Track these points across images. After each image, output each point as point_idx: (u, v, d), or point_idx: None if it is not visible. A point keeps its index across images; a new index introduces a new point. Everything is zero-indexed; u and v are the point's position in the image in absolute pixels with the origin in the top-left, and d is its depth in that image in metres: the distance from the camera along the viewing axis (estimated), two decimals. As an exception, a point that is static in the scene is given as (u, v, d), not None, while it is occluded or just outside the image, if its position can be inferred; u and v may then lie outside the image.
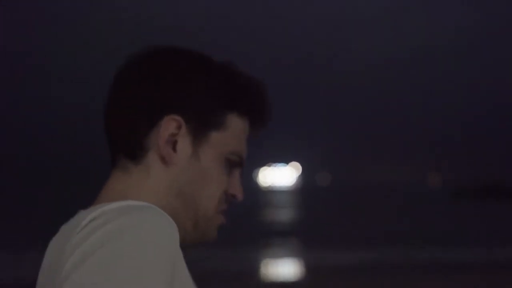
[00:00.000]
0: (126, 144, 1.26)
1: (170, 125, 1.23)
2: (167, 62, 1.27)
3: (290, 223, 29.81)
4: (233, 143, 1.28)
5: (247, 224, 24.27)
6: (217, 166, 1.27)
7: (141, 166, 1.25)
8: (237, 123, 1.28)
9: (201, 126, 1.25)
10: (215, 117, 1.26)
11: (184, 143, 1.25)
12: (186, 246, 1.19)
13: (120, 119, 1.26)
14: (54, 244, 1.18)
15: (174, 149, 1.24)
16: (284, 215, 36.41)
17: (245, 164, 1.31)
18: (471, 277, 12.54)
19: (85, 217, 1.12)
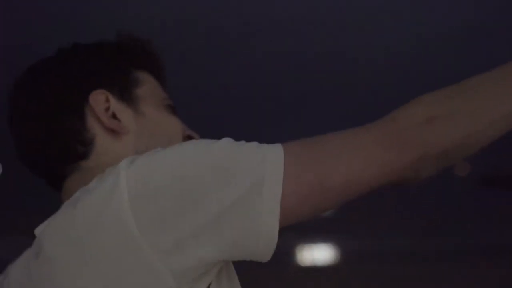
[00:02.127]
0: (72, 146, 1.20)
1: (98, 100, 1.21)
2: (65, 56, 1.27)
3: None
4: (157, 92, 1.28)
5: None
6: (162, 113, 1.26)
7: (97, 155, 1.20)
8: (147, 77, 1.28)
9: (124, 88, 1.24)
10: (129, 76, 1.26)
11: (121, 109, 1.23)
12: None
13: (46, 127, 1.21)
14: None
15: (117, 119, 1.21)
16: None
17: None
18: (497, 262, 12.38)
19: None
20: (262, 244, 1.00)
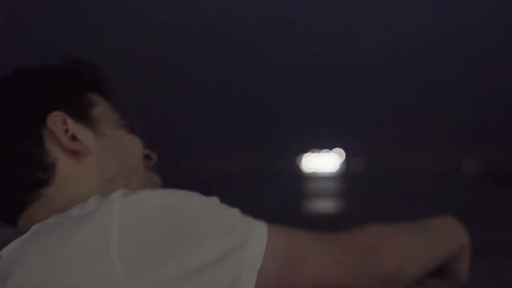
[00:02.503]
0: (32, 173, 1.15)
1: (56, 122, 1.18)
2: (16, 81, 1.22)
3: (332, 209, 29.73)
4: (112, 112, 1.26)
5: (291, 211, 24.25)
6: (121, 132, 1.24)
7: (59, 181, 1.16)
8: (99, 99, 1.26)
9: (80, 109, 1.21)
10: (84, 98, 1.23)
11: (81, 130, 1.20)
12: None
13: (3, 155, 1.16)
14: None
15: (77, 140, 1.18)
16: (326, 202, 36.26)
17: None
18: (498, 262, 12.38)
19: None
20: None
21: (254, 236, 1.05)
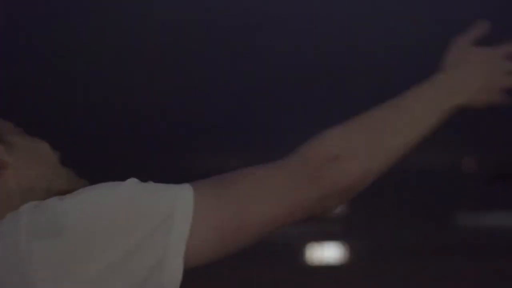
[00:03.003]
0: None
1: None
2: None
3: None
4: (4, 122, 1.20)
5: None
6: (25, 138, 1.18)
7: None
8: None
9: None
10: None
11: None
12: None
13: None
14: None
15: None
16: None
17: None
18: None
19: None
20: (166, 280, 0.99)
21: (178, 206, 1.00)
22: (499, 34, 1.19)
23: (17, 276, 0.96)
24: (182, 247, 0.99)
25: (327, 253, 14.58)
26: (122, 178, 1.03)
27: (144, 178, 1.04)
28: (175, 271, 0.99)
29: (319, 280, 10.21)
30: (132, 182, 1.02)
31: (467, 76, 1.16)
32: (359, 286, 9.84)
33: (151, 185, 1.03)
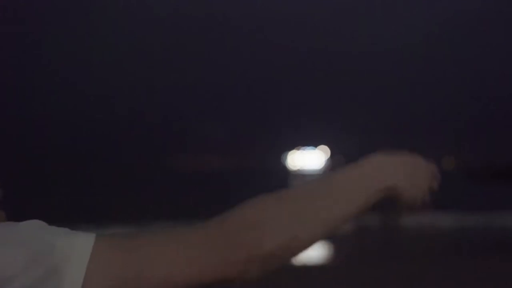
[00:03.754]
0: None
1: None
2: None
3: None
4: None
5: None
6: None
7: None
8: None
9: None
10: None
11: None
12: None
13: None
14: None
15: None
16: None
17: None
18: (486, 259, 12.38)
19: None
20: None
21: (72, 257, 0.96)
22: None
23: None
24: None
25: (313, 253, 14.53)
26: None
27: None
28: None
29: (306, 280, 10.28)
30: (35, 223, 0.99)
31: (397, 162, 1.16)
32: (346, 287, 9.92)
33: (52, 229, 0.99)
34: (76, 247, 0.97)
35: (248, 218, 1.04)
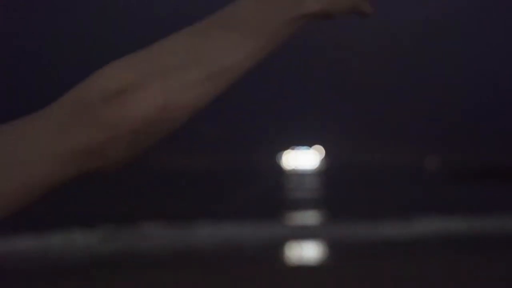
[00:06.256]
0: None
1: None
2: None
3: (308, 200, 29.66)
4: None
5: (271, 207, 24.21)
6: None
7: None
8: None
9: None
10: None
11: None
12: None
13: None
14: None
15: None
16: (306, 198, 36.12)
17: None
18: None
19: None
20: None
21: None
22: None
23: None
24: None
25: (306, 253, 14.47)
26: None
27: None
28: None
29: (299, 280, 10.28)
30: None
31: None
32: (338, 286, 9.92)
33: None
34: None
35: (109, 87, 0.78)
